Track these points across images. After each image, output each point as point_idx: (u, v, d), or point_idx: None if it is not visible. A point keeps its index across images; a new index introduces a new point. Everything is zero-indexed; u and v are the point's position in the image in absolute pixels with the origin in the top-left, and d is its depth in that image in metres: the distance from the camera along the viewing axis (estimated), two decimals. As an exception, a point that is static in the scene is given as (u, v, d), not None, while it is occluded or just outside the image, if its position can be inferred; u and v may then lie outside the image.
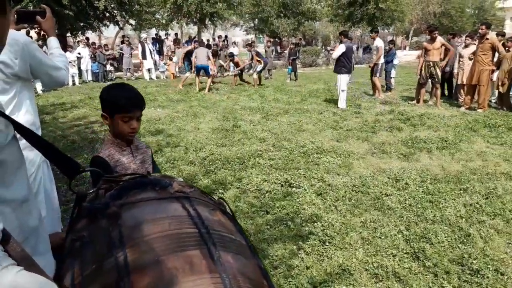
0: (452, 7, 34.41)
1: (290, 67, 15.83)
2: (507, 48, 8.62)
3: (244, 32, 32.35)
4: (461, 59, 9.39)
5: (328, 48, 26.57)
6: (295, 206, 3.95)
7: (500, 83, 8.58)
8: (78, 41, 17.22)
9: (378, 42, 10.51)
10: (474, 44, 9.03)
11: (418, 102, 9.57)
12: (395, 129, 6.99)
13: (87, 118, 8.35)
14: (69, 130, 7.22)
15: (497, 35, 9.67)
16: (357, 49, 24.40)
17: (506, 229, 3.50)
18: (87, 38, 19.92)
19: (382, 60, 10.59)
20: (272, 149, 5.90)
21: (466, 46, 9.37)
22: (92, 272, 0.88)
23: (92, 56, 14.88)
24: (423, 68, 9.17)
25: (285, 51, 24.36)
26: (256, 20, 27.46)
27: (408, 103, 9.68)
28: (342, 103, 9.11)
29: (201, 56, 12.04)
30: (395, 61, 12.01)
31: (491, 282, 2.77)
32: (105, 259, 0.88)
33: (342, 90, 9.07)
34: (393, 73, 11.94)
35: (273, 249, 3.18)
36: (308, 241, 3.31)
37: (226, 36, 24.45)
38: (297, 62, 16.13)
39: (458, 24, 34.53)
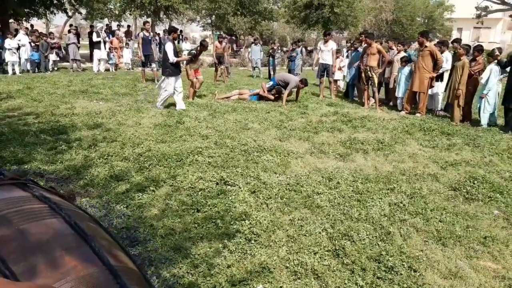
0: (403, 15, 35.85)
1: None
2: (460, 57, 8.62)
3: (201, 28, 32.01)
4: (393, 64, 9.88)
5: (284, 49, 26.82)
6: (227, 204, 3.91)
7: (451, 94, 8.42)
8: (16, 29, 16.15)
9: (333, 45, 10.85)
10: (403, 50, 9.49)
11: (363, 104, 9.90)
12: (336, 130, 7.16)
13: (22, 109, 7.87)
14: (-1, 122, 6.77)
15: (439, 43, 10.07)
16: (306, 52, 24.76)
17: (425, 228, 3.67)
18: (32, 26, 18.84)
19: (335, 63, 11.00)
20: (214, 147, 5.84)
21: (398, 52, 9.84)
22: None
23: (34, 45, 14.03)
24: (362, 72, 9.55)
25: (241, 49, 24.40)
26: (213, 16, 27.24)
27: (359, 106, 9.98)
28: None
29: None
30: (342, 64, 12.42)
31: (403, 279, 2.88)
32: None
33: None
34: (340, 75, 12.35)
35: (197, 248, 3.13)
36: (234, 239, 3.28)
37: (181, 31, 24.06)
38: (275, 61, 16.33)
39: (408, 32, 36.03)
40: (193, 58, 9.56)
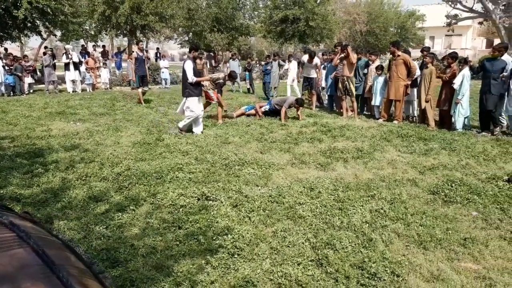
0: (377, 26, 36.74)
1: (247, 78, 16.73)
2: (426, 64, 8.89)
3: (179, 45, 32.09)
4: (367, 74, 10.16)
5: (262, 63, 27.13)
6: (209, 220, 3.87)
7: (423, 100, 8.66)
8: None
9: (317, 61, 11.35)
10: (377, 60, 9.80)
11: (342, 114, 10.04)
12: (316, 140, 7.22)
13: (-4, 133, 7.68)
14: (-29, 147, 6.58)
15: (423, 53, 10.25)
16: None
17: (406, 232, 3.71)
18: (6, 49, 18.53)
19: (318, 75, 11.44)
20: (194, 162, 5.80)
21: (372, 62, 10.11)
22: None
23: (9, 68, 13.79)
24: (339, 82, 9.74)
25: (220, 65, 24.50)
26: (190, 34, 27.38)
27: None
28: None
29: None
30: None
31: (386, 284, 2.89)
32: None
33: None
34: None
35: (179, 266, 3.08)
36: (217, 254, 3.25)
37: (157, 49, 24.12)
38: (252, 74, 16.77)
39: (382, 42, 36.92)
40: (221, 88, 9.05)
